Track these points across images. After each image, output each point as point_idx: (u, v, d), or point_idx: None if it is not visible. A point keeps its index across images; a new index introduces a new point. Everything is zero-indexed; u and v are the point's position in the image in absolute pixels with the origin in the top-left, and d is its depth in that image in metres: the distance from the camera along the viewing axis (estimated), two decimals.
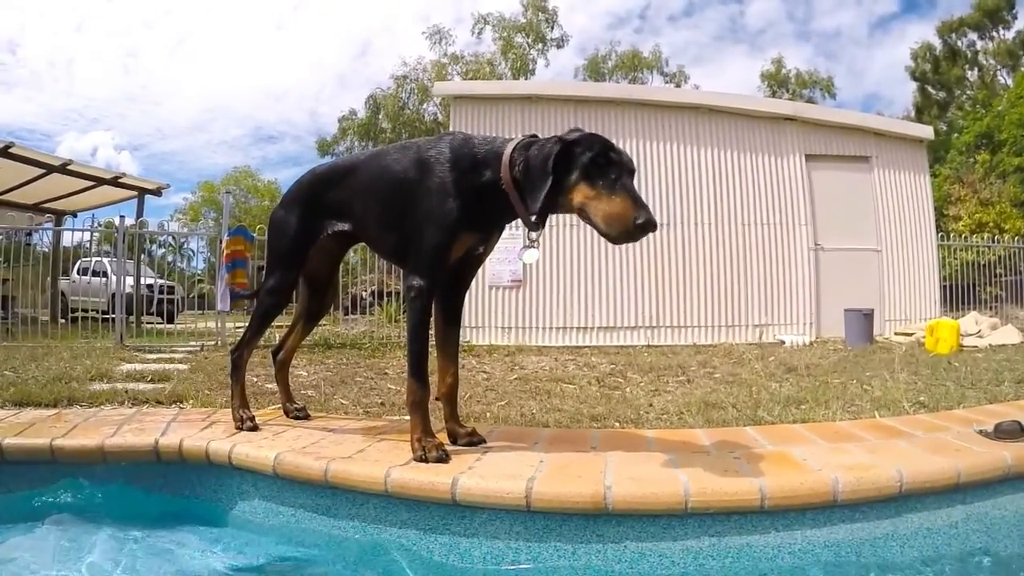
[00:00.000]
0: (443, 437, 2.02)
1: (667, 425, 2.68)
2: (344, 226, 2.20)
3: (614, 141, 1.81)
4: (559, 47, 26.97)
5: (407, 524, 1.71)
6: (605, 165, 1.69)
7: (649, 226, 1.61)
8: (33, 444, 2.05)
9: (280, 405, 2.62)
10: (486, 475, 1.68)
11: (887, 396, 3.21)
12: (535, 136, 1.91)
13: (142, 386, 3.53)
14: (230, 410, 2.36)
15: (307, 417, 2.51)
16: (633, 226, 1.62)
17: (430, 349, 1.97)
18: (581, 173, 1.70)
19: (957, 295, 9.74)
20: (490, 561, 1.63)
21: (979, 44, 27.62)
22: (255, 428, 2.24)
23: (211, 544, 1.87)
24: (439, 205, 1.86)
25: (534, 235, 1.88)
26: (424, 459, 1.79)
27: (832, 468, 1.69)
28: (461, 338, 7.28)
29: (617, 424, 2.71)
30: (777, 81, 28.71)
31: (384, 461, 1.81)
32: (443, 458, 1.80)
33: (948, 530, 1.73)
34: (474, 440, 2.06)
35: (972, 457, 1.80)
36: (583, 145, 1.72)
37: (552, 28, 26.49)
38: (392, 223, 2.03)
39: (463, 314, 2.20)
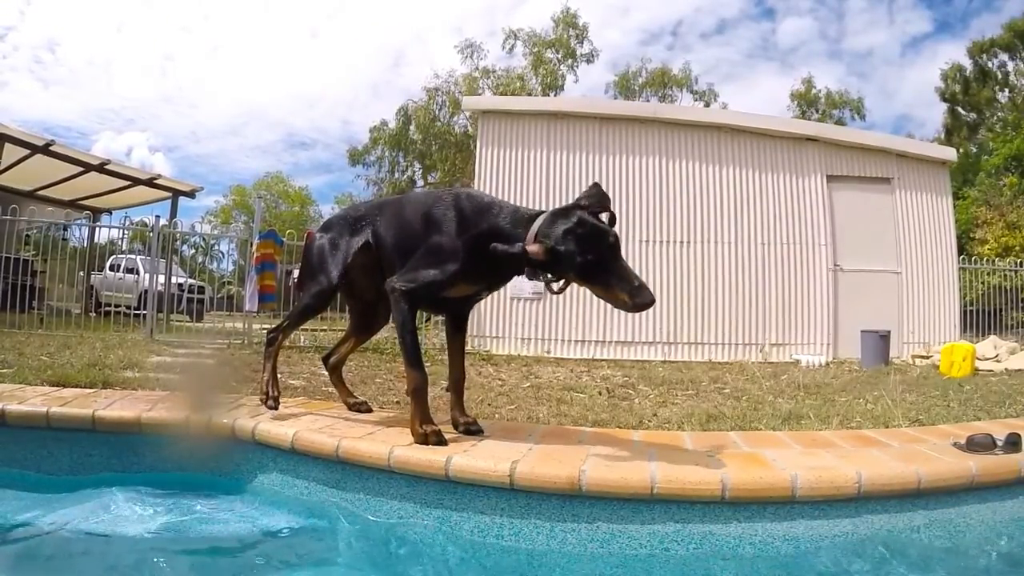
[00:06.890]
0: (448, 427, 2.21)
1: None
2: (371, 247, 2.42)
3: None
4: (589, 62, 27.15)
5: (406, 498, 1.90)
6: (597, 262, 1.88)
7: (646, 307, 1.88)
8: (77, 414, 2.29)
9: (304, 399, 2.88)
10: (477, 456, 1.87)
11: (887, 414, 3.26)
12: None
13: (172, 376, 3.76)
14: (256, 395, 2.57)
15: (369, 410, 2.68)
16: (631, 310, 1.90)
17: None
18: (577, 274, 1.91)
19: (982, 319, 9.61)
20: (477, 534, 1.81)
21: (1010, 65, 26.65)
22: (276, 407, 2.45)
23: (232, 511, 2.09)
24: (445, 261, 2.08)
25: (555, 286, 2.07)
26: (424, 441, 1.99)
27: (796, 468, 1.81)
28: (482, 347, 7.50)
29: (618, 428, 2.83)
30: (807, 101, 28.41)
31: (389, 442, 2.01)
32: (441, 441, 1.99)
33: (909, 533, 1.82)
34: (472, 429, 2.25)
35: (935, 464, 1.89)
36: (574, 243, 1.86)
37: (582, 44, 26.72)
38: (405, 254, 2.26)
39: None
